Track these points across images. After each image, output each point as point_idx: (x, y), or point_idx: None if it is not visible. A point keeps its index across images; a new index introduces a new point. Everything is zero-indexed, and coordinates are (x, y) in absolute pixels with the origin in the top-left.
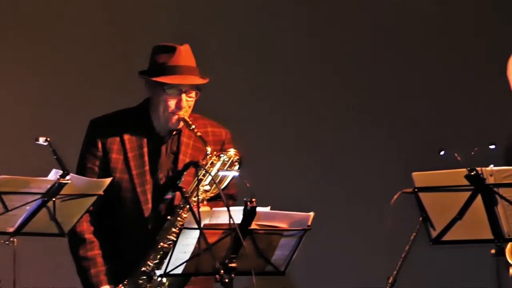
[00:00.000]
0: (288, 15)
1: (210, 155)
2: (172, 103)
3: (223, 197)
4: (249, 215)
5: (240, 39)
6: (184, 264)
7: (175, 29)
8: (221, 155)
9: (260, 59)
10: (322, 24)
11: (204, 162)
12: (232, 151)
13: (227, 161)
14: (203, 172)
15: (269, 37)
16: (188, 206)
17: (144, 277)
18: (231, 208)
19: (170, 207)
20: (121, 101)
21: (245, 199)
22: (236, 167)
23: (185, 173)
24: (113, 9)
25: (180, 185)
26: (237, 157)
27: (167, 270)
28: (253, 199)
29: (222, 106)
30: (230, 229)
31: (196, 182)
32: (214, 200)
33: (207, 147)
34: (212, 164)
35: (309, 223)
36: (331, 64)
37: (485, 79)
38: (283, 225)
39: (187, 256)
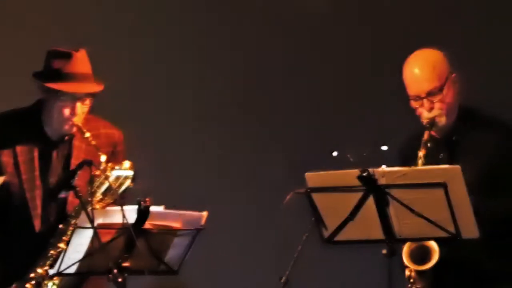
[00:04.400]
0: (189, 18)
1: (105, 164)
2: (66, 110)
3: (118, 197)
4: (142, 214)
5: (134, 40)
6: (77, 263)
7: (71, 33)
8: (116, 167)
9: (158, 58)
10: (218, 25)
11: (97, 173)
12: (127, 164)
13: (121, 174)
14: (98, 172)
15: (165, 39)
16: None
17: (33, 282)
18: (124, 207)
19: (61, 212)
20: None
21: (138, 198)
22: (131, 174)
23: (79, 172)
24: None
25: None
26: (132, 171)
27: (60, 270)
28: (147, 199)
29: (117, 105)
30: (123, 228)
31: (91, 182)
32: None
33: (101, 155)
34: (106, 178)
35: (203, 223)
36: (221, 64)
37: (378, 80)
38: (176, 224)
39: (80, 256)
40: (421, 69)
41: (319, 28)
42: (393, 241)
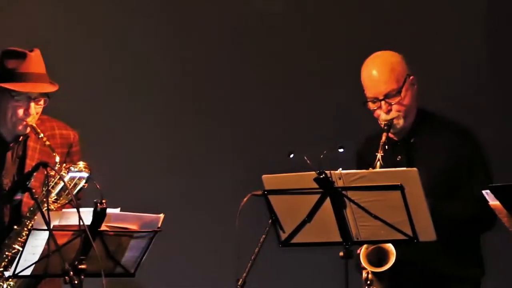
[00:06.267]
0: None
1: (59, 165)
2: (20, 111)
3: (74, 198)
4: (99, 216)
5: (93, 40)
6: (33, 265)
7: (25, 33)
8: (71, 168)
9: (112, 59)
10: (173, 24)
11: (52, 173)
12: (81, 164)
13: (76, 176)
14: (53, 173)
15: (118, 39)
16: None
17: None
18: (81, 209)
19: (16, 213)
20: None
21: (95, 200)
22: (86, 175)
23: (35, 174)
24: None
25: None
26: (87, 171)
27: (16, 272)
28: (103, 200)
29: (71, 106)
30: (80, 230)
31: (46, 183)
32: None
33: (56, 156)
34: (60, 179)
35: (159, 225)
36: (177, 64)
37: (337, 82)
38: (133, 226)
39: (36, 258)
40: (379, 71)
41: (277, 28)
42: (350, 244)
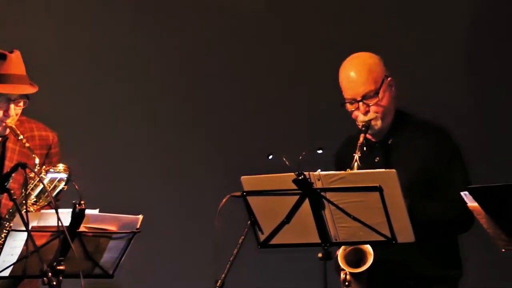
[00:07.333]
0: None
1: (39, 167)
2: (0, 112)
3: (53, 200)
4: (77, 217)
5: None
6: (11, 266)
7: (5, 34)
8: (51, 169)
9: (93, 59)
10: (154, 25)
11: (32, 175)
12: (61, 166)
13: (55, 177)
14: (32, 175)
15: (98, 39)
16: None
17: None
18: (59, 210)
19: None
20: None
21: (73, 201)
22: (65, 176)
23: (13, 175)
24: None
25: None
26: (67, 173)
27: None
28: (82, 201)
29: (51, 107)
30: (58, 231)
31: (25, 185)
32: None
33: (35, 158)
34: (40, 181)
35: (138, 226)
36: (158, 64)
37: (316, 83)
38: (112, 227)
39: (14, 259)
40: (357, 73)
41: (256, 29)
42: (329, 245)
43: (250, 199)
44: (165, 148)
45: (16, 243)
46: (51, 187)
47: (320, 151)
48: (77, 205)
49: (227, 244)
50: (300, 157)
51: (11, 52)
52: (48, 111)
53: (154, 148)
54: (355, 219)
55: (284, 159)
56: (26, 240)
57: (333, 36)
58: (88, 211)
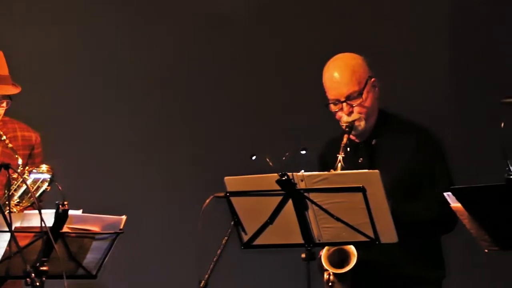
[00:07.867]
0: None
1: (22, 167)
2: None
3: (36, 200)
4: (60, 218)
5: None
6: None
7: None
8: (34, 170)
9: (78, 59)
10: (140, 25)
11: (15, 176)
12: (44, 167)
13: (38, 178)
14: (16, 175)
15: (82, 39)
16: None
17: None
18: (43, 211)
19: None
20: None
21: (57, 202)
22: (48, 177)
23: None
24: None
25: None
26: (50, 174)
27: None
28: (65, 202)
29: (34, 108)
30: (41, 232)
31: (8, 186)
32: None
33: (18, 158)
34: (23, 182)
35: (121, 227)
36: (143, 65)
37: (299, 84)
38: (95, 228)
39: None
40: (340, 73)
41: (241, 29)
42: (312, 245)
43: (234, 199)
44: (148, 148)
45: None
46: (34, 187)
47: (303, 152)
48: (60, 206)
49: (210, 244)
50: (284, 158)
51: None
52: (31, 112)
53: (137, 149)
54: (338, 219)
55: (268, 159)
56: (9, 241)
57: (317, 37)
58: (71, 212)
